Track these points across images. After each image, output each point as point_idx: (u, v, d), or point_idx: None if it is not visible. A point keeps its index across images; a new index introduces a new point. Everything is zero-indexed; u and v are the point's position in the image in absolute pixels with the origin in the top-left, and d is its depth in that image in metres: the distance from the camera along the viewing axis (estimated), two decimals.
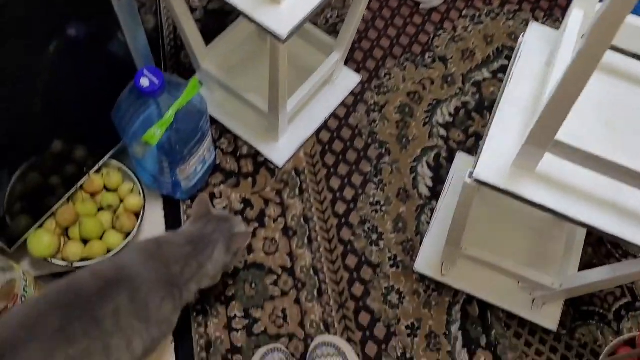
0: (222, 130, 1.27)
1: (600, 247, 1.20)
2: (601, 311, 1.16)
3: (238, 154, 1.25)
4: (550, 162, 0.78)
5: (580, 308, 1.15)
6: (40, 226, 1.07)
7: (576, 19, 0.82)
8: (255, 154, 1.25)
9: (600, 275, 0.94)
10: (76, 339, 0.79)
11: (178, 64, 1.34)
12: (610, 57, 0.87)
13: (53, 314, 0.80)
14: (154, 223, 1.16)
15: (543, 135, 0.72)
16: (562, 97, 0.64)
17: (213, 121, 1.26)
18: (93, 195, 1.13)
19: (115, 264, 0.91)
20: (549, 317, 1.12)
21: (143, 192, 1.14)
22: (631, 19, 0.81)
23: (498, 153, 0.81)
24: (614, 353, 1.07)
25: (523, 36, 0.90)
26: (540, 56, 0.87)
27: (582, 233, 1.12)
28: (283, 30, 0.89)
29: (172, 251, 0.93)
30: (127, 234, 1.10)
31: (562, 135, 0.71)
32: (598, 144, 0.71)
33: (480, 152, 0.82)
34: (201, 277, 0.95)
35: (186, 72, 1.32)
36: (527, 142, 0.74)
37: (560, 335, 1.13)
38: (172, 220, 1.17)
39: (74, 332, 0.79)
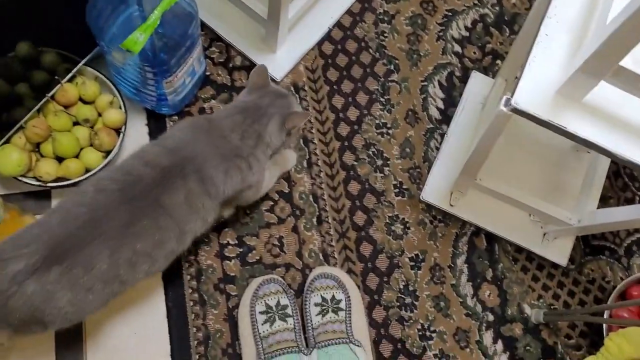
0: (212, 38, 1.13)
1: (617, 180, 1.14)
2: (612, 246, 1.10)
3: (231, 65, 1.12)
4: (597, 91, 0.68)
5: (590, 242, 1.10)
6: (7, 141, 0.94)
7: None
8: (250, 66, 1.12)
9: (626, 216, 0.87)
10: (147, 232, 0.77)
11: None
12: None
13: (118, 208, 0.76)
14: (136, 141, 1.04)
15: (603, 62, 0.61)
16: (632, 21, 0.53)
17: (203, 26, 1.12)
18: (67, 107, 1.00)
19: (166, 148, 0.84)
20: (559, 252, 1.07)
21: (124, 105, 1.01)
22: None
23: (540, 78, 0.71)
24: (624, 292, 1.03)
25: None
26: None
27: (604, 166, 1.05)
28: None
29: (226, 122, 0.87)
30: (108, 153, 0.98)
31: (627, 60, 0.60)
32: None
33: (520, 76, 0.71)
34: (265, 146, 0.89)
35: None
36: (581, 69, 0.64)
37: (569, 270, 1.08)
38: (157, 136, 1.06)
39: (143, 226, 0.77)
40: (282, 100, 0.91)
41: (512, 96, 0.70)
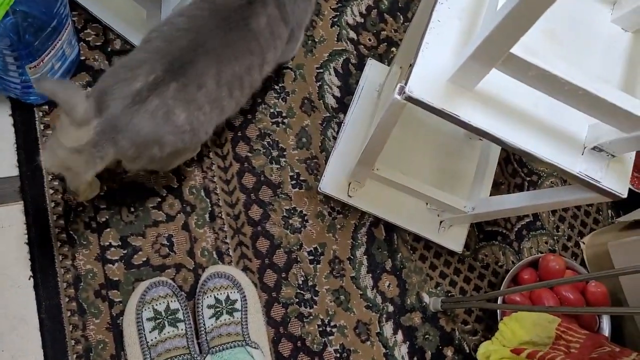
0: (87, 19, 1.02)
1: (507, 166, 1.16)
2: (504, 231, 1.13)
3: (109, 49, 1.02)
4: (489, 79, 0.67)
5: (484, 228, 1.12)
6: None
7: None
8: (130, 49, 1.02)
9: (515, 203, 0.89)
10: (242, 55, 0.81)
11: None
12: None
13: (215, 31, 0.79)
14: (0, 133, 0.93)
15: (494, 49, 0.59)
16: (532, 3, 0.52)
17: (76, 6, 1.01)
18: None
19: None
20: (455, 239, 1.08)
21: None
22: None
23: (433, 66, 0.69)
24: (516, 276, 1.06)
25: None
26: None
27: (495, 154, 1.06)
28: None
29: None
30: None
31: (517, 48, 0.59)
32: (547, 59, 0.60)
33: (413, 64, 0.69)
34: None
35: None
36: (472, 56, 0.62)
37: (465, 257, 1.10)
38: (25, 129, 0.94)
39: (238, 48, 0.81)
40: None
41: (406, 84, 0.68)
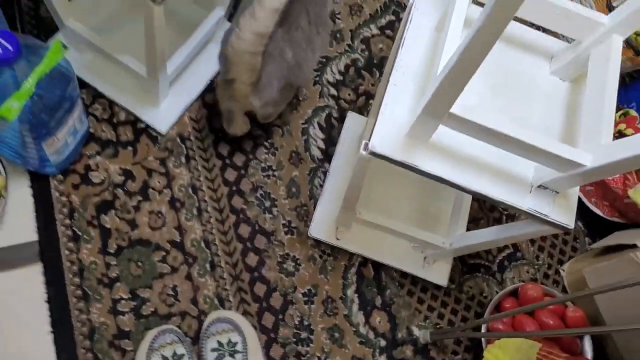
0: (95, 95, 1.14)
1: (484, 202, 1.25)
2: (486, 263, 1.21)
3: (115, 121, 1.14)
4: (442, 131, 0.77)
5: (467, 262, 1.20)
6: None
7: None
8: (134, 120, 1.14)
9: (486, 237, 0.97)
10: (316, 2, 0.99)
11: (38, 20, 1.17)
12: None
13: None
14: (20, 202, 1.04)
15: (438, 107, 0.70)
16: (460, 70, 0.62)
17: (84, 85, 1.13)
18: None
19: None
20: (440, 274, 1.16)
21: (4, 169, 1.00)
22: None
23: (392, 123, 0.79)
24: (499, 305, 1.13)
25: None
26: (430, 21, 0.85)
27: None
28: None
29: None
30: None
31: (456, 107, 0.69)
32: (488, 113, 0.70)
33: (375, 122, 0.79)
34: None
35: (47, 30, 1.15)
36: (422, 113, 0.72)
37: (450, 290, 1.17)
38: (42, 198, 1.05)
39: (301, 20, 0.97)
40: None
41: (369, 141, 0.78)
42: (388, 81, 0.81)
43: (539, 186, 0.78)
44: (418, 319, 1.14)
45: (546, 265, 1.24)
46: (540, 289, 1.12)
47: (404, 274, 1.16)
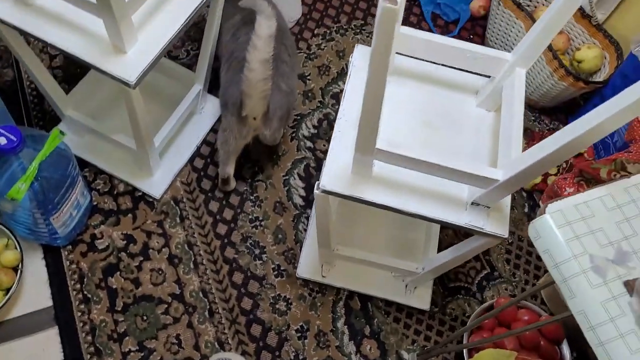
0: (96, 172, 1.30)
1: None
2: (466, 285, 1.30)
3: (115, 193, 1.28)
4: (382, 166, 0.89)
5: (448, 285, 1.29)
6: None
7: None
8: (132, 190, 1.29)
9: (448, 256, 1.07)
10: (288, 39, 1.24)
11: (43, 112, 1.35)
12: (419, 66, 1.00)
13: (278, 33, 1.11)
14: (35, 274, 1.17)
15: (365, 144, 0.82)
16: (367, 115, 0.75)
17: (86, 164, 1.29)
18: None
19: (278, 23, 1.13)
20: (422, 299, 1.25)
21: (19, 245, 1.15)
22: (409, 31, 0.94)
23: (339, 164, 0.91)
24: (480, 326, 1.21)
25: (352, 57, 1.01)
26: (364, 74, 0.98)
27: None
28: (131, 76, 0.94)
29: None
30: (8, 290, 1.10)
31: (383, 143, 0.81)
32: (416, 146, 0.82)
33: (324, 164, 0.92)
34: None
35: (52, 120, 1.33)
36: (355, 151, 0.84)
37: (434, 312, 1.26)
38: (55, 268, 1.19)
39: (286, 36, 1.24)
40: None
41: (320, 181, 0.90)
42: (334, 129, 0.95)
43: (472, 203, 0.89)
44: (406, 343, 1.22)
45: (523, 281, 1.31)
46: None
47: (389, 302, 1.25)
